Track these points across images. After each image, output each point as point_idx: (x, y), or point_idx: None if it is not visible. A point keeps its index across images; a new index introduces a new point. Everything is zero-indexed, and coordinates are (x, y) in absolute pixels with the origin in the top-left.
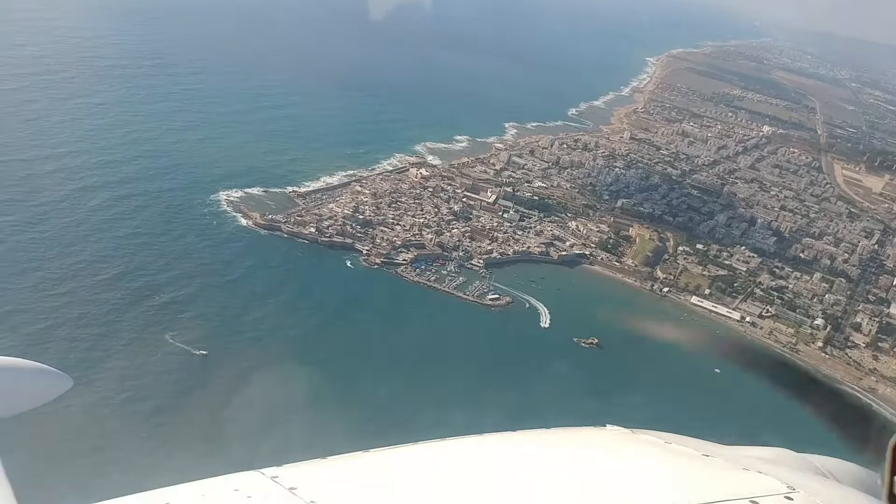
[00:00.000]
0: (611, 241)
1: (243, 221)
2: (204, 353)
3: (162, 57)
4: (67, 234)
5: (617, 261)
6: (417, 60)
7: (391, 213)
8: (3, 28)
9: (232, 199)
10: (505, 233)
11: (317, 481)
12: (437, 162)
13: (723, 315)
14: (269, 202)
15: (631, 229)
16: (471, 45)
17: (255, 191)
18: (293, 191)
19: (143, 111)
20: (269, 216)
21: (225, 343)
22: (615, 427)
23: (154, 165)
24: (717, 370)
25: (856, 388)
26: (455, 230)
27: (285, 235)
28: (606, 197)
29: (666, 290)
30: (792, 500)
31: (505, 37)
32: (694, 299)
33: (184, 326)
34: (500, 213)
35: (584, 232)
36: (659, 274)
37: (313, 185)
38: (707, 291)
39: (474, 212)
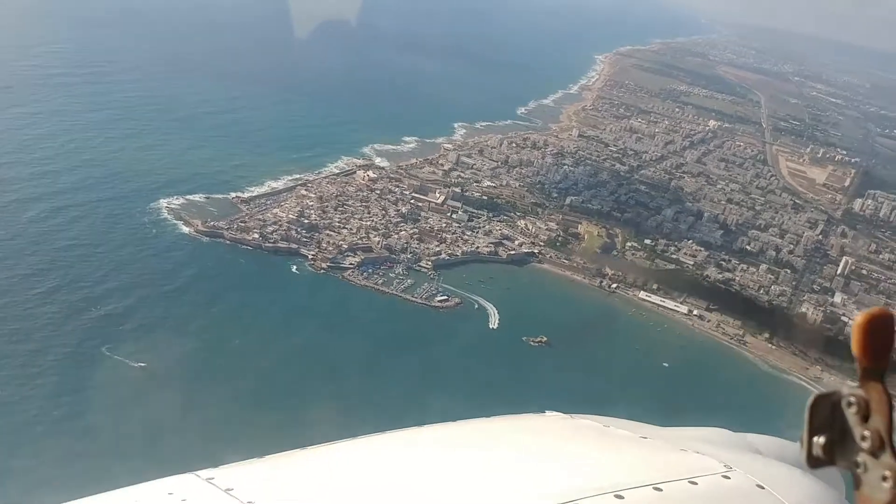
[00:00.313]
0: (559, 238)
1: (184, 229)
2: (143, 364)
3: (104, 64)
4: (1, 248)
5: (566, 258)
6: (367, 62)
7: (337, 216)
8: None
9: (173, 206)
10: (454, 233)
11: (254, 481)
12: (384, 164)
13: (670, 309)
14: (211, 209)
15: (580, 226)
16: (423, 45)
17: (197, 198)
18: (236, 196)
19: (82, 120)
20: (211, 223)
21: (164, 355)
22: (554, 413)
23: (93, 175)
24: (665, 364)
25: (802, 377)
26: (403, 232)
27: (228, 242)
28: (555, 195)
29: (615, 286)
30: (729, 478)
31: (456, 36)
32: (642, 294)
33: (122, 339)
34: (449, 214)
35: (533, 230)
36: (608, 270)
37: (257, 191)
38: (655, 286)
39: (423, 213)
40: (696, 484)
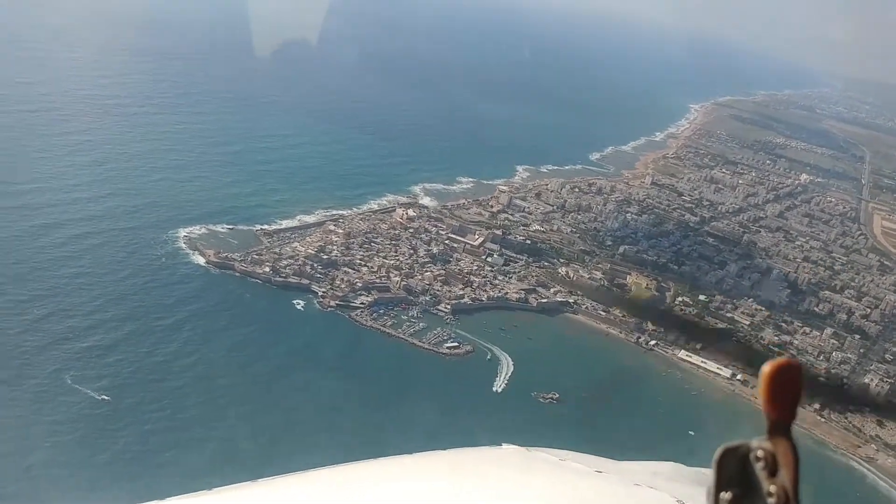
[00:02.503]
0: (602, 288)
1: (196, 260)
2: (105, 398)
3: (167, 97)
4: (4, 272)
5: (604, 310)
6: (437, 102)
7: (360, 253)
8: (16, 63)
9: (192, 236)
10: (484, 277)
11: None
12: (430, 203)
13: (712, 371)
14: (232, 240)
15: (628, 277)
16: (497, 84)
17: (220, 228)
18: (260, 229)
19: (131, 149)
20: (224, 254)
21: (133, 391)
22: (510, 446)
23: (124, 204)
24: (690, 432)
25: (851, 455)
26: (427, 273)
27: (238, 275)
28: (609, 243)
29: (653, 342)
30: None
31: (536, 79)
32: (682, 354)
33: (96, 371)
34: (484, 257)
35: (574, 278)
36: (649, 326)
37: (286, 224)
38: (699, 346)
39: (456, 255)
40: None
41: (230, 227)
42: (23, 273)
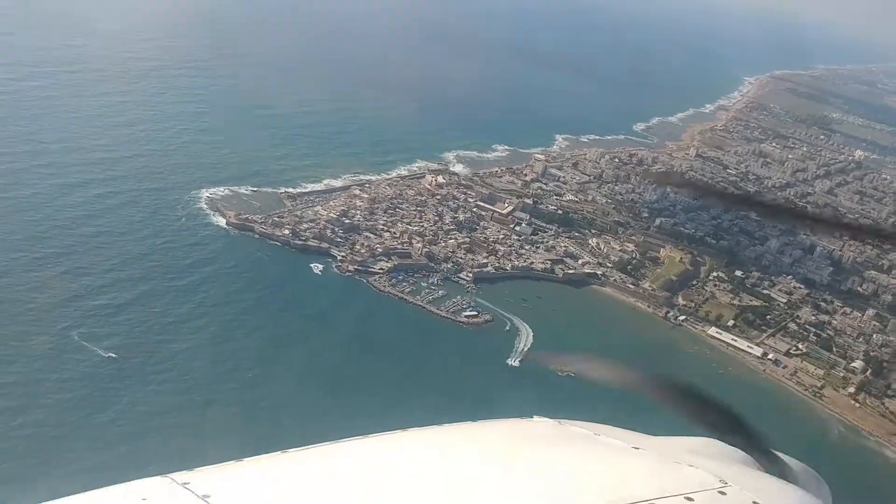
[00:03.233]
0: (633, 261)
1: (217, 221)
2: (112, 355)
3: (211, 61)
4: (24, 230)
5: (633, 283)
6: (483, 71)
7: (384, 219)
8: (64, 29)
9: (215, 197)
10: (510, 246)
11: (232, 487)
12: (461, 170)
13: (742, 350)
14: (254, 202)
15: (661, 250)
16: (546, 59)
17: (244, 190)
18: (284, 192)
19: (165, 111)
20: (245, 216)
21: (141, 350)
22: (542, 418)
23: (151, 165)
24: None
25: (885, 443)
26: (451, 241)
27: (257, 236)
28: (645, 215)
29: (682, 318)
30: (725, 494)
31: (584, 51)
32: (712, 330)
33: (106, 330)
34: (512, 226)
35: (605, 250)
36: (679, 300)
37: (311, 187)
38: (730, 322)
39: (483, 223)
40: (691, 500)
41: (254, 189)
42: (41, 231)
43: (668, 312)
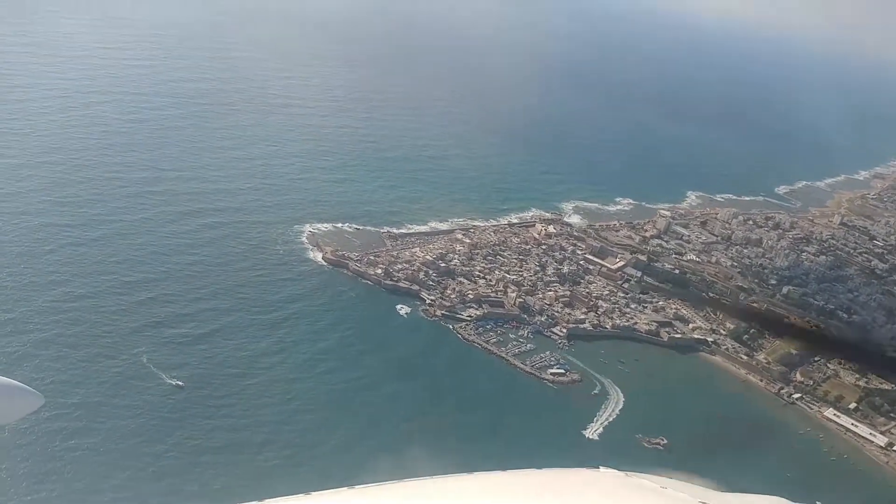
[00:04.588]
0: (751, 330)
1: (314, 257)
2: (179, 383)
3: (340, 100)
4: (122, 253)
5: (746, 354)
6: (618, 120)
7: (482, 265)
8: (211, 62)
9: (317, 232)
10: (614, 304)
11: None
12: (576, 221)
13: (862, 437)
14: (355, 240)
15: (785, 321)
16: (686, 108)
17: (347, 227)
18: (386, 231)
19: (287, 148)
20: (341, 252)
21: (210, 380)
22: (608, 469)
23: (263, 198)
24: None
25: None
26: (550, 293)
27: (350, 274)
28: (773, 282)
29: (797, 396)
30: None
31: (735, 104)
32: (830, 412)
33: (178, 358)
34: (620, 283)
35: (720, 316)
36: (797, 377)
37: (415, 229)
38: (852, 405)
39: (588, 277)
40: None
41: (358, 227)
42: (139, 256)
43: (782, 389)
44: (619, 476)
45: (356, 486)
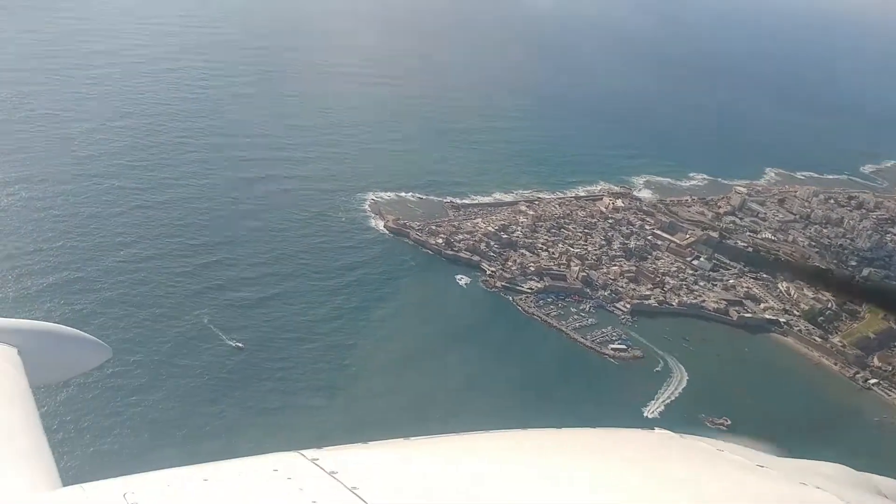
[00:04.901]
0: (827, 312)
1: (376, 224)
2: (239, 345)
3: (416, 72)
4: (189, 217)
5: (820, 336)
6: (698, 97)
7: (544, 237)
8: (296, 35)
9: (380, 201)
10: (682, 280)
11: (358, 466)
12: (647, 196)
13: None
14: (417, 209)
15: (864, 303)
16: (768, 85)
17: (410, 196)
18: (450, 201)
19: (359, 117)
20: (402, 221)
21: (270, 345)
22: (663, 430)
23: (331, 167)
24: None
25: None
26: (615, 267)
27: (410, 242)
28: (853, 263)
29: (873, 381)
30: None
31: (817, 80)
32: None
33: (241, 323)
34: (689, 259)
35: (795, 296)
36: (875, 362)
37: (479, 199)
38: None
39: (655, 253)
40: None
41: (421, 196)
42: (205, 221)
43: (858, 373)
44: (673, 437)
45: (411, 438)
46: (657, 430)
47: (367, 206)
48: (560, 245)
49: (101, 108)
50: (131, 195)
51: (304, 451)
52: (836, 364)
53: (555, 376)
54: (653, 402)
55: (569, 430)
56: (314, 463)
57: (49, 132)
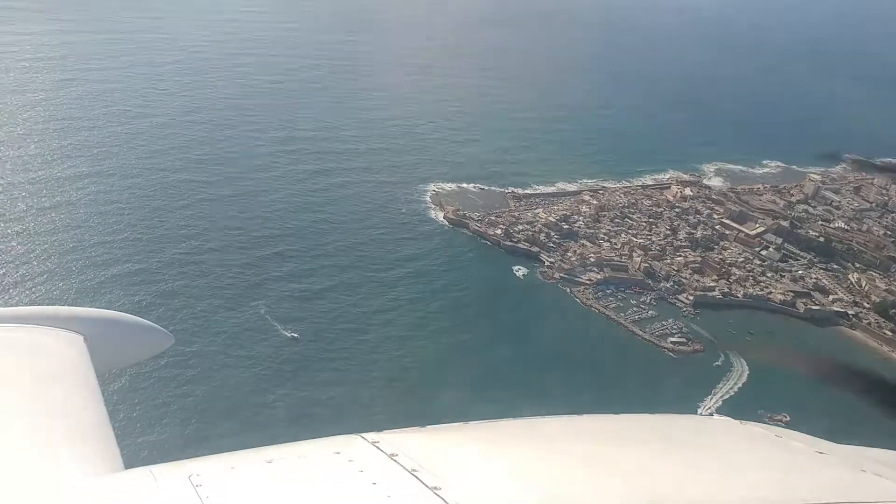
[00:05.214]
0: None
1: (436, 215)
2: (295, 335)
3: (476, 62)
4: (252, 210)
5: (891, 329)
6: (772, 83)
7: (607, 227)
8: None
9: (441, 192)
10: (749, 272)
11: (418, 449)
12: (717, 184)
13: None
14: (478, 200)
15: None
16: (847, 67)
17: (471, 187)
18: (511, 191)
19: (421, 108)
20: (462, 212)
21: (326, 337)
22: (723, 417)
23: (393, 158)
24: None
25: None
26: (679, 258)
27: (470, 233)
28: None
29: None
30: None
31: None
32: None
33: (298, 314)
34: (758, 249)
35: (866, 288)
36: None
37: (540, 189)
38: None
39: (723, 243)
40: None
41: (482, 187)
42: (268, 213)
43: None
44: (735, 424)
45: (470, 422)
46: (717, 417)
47: (427, 198)
48: (623, 235)
49: (172, 102)
50: (197, 188)
51: (364, 434)
52: None
53: (608, 372)
54: (709, 397)
55: (626, 415)
56: (375, 446)
57: (120, 128)
